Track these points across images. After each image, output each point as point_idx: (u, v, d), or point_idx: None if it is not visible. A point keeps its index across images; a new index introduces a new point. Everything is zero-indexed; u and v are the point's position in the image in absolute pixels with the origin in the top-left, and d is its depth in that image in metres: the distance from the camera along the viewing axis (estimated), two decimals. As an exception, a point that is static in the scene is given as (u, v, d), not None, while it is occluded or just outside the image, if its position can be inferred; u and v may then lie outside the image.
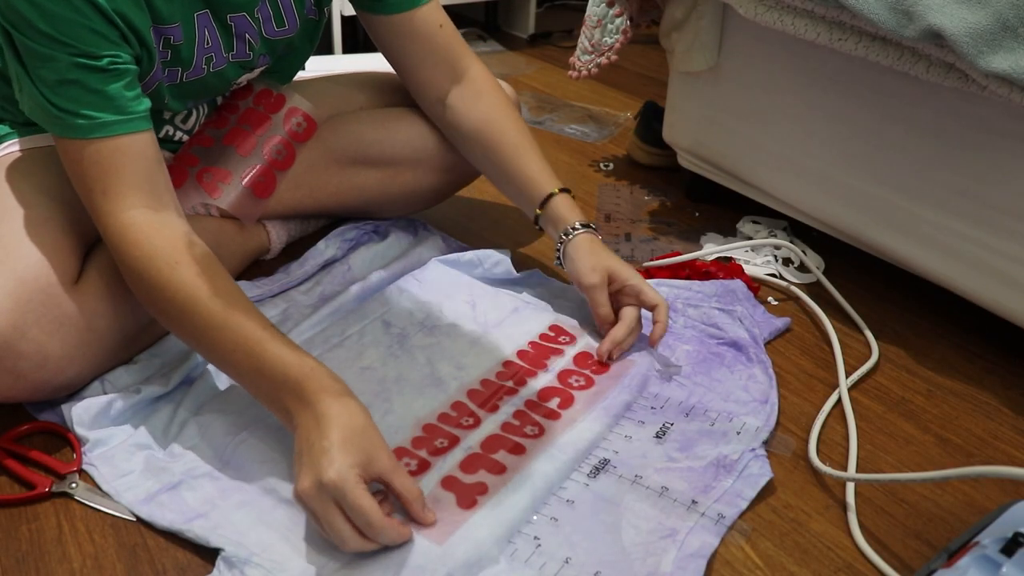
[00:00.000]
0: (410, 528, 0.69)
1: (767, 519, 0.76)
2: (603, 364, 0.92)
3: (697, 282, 1.05)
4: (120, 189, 0.77)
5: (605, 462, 0.80)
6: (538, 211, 1.00)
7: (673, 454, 0.81)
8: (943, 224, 0.98)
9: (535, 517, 0.74)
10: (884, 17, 0.86)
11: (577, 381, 0.90)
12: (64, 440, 0.82)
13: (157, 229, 0.78)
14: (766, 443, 0.84)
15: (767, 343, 1.00)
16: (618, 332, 0.93)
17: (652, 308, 0.92)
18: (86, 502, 0.75)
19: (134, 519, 0.74)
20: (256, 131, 1.02)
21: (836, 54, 1.02)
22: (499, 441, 0.81)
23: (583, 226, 0.97)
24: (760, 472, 0.79)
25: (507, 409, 0.85)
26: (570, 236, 0.96)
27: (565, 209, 0.99)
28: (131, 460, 0.79)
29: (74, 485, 0.76)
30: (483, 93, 1.04)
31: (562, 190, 1.00)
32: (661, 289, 1.04)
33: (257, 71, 0.99)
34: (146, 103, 0.80)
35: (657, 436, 0.83)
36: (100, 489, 0.77)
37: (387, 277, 1.06)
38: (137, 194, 0.78)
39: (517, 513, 0.73)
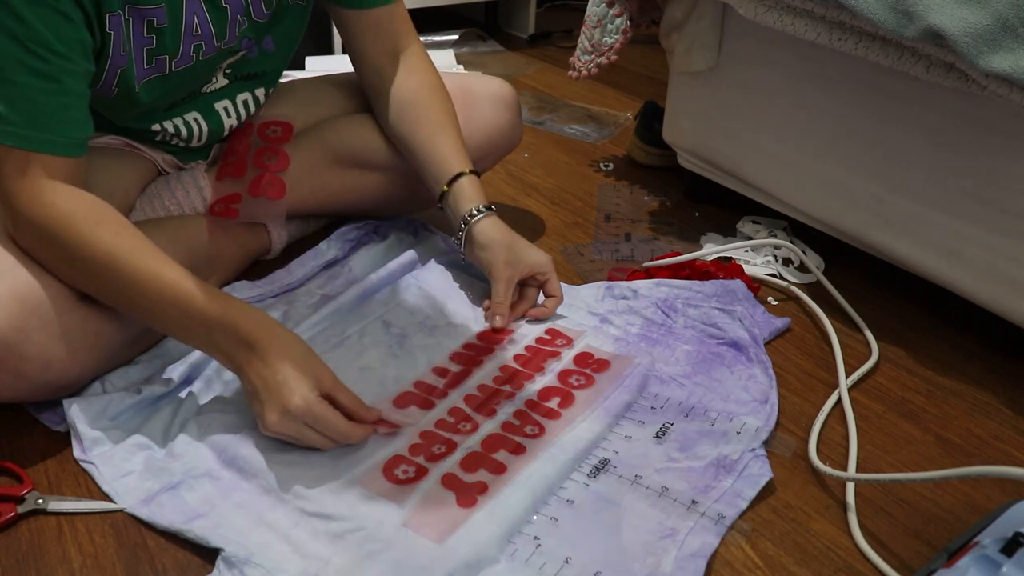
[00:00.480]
0: (369, 426, 0.79)
1: (767, 519, 0.76)
2: (603, 363, 0.92)
3: (697, 282, 1.05)
4: (44, 178, 0.77)
5: (605, 462, 0.80)
6: (444, 188, 1.01)
7: (673, 454, 0.81)
8: (943, 224, 0.98)
9: (535, 517, 0.74)
10: (884, 17, 0.86)
11: (577, 380, 0.90)
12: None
13: (75, 193, 0.78)
14: (766, 443, 0.84)
15: (767, 343, 1.00)
16: (520, 307, 1.00)
17: (548, 296, 1.01)
18: (66, 510, 0.74)
19: (115, 509, 0.74)
20: (242, 156, 1.04)
21: (836, 54, 1.02)
22: (499, 440, 0.81)
23: (487, 208, 0.99)
24: (760, 472, 0.79)
25: (507, 410, 0.85)
26: (474, 218, 0.98)
27: (471, 190, 1.00)
28: (131, 460, 0.79)
29: (40, 501, 0.75)
30: (417, 71, 1.06)
31: (472, 171, 1.01)
32: (661, 289, 1.04)
33: (241, 54, 0.98)
34: (87, 130, 0.80)
35: (657, 436, 0.83)
36: (63, 494, 0.76)
37: (387, 277, 1.06)
38: (58, 178, 0.78)
39: (517, 513, 0.73)
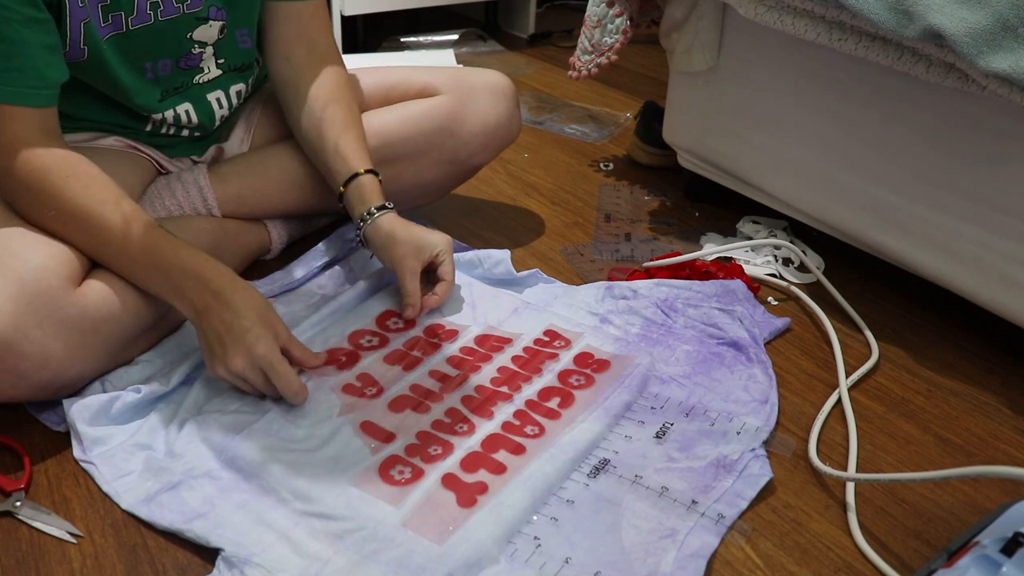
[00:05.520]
0: (306, 387, 0.84)
1: (767, 519, 0.76)
2: (603, 363, 0.92)
3: (697, 282, 1.05)
4: (13, 128, 0.81)
5: (605, 462, 0.80)
6: (341, 189, 1.00)
7: (673, 454, 0.81)
8: (943, 224, 0.98)
9: (535, 517, 0.74)
10: (884, 17, 0.86)
11: (577, 380, 0.90)
12: (17, 456, 0.80)
13: (47, 149, 0.83)
14: (766, 443, 0.84)
15: (767, 343, 1.00)
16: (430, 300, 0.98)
17: (439, 281, 0.99)
18: (28, 521, 0.73)
19: (74, 541, 0.72)
20: None
21: (836, 54, 1.02)
22: (499, 440, 0.81)
23: (379, 209, 0.98)
24: (760, 472, 0.79)
25: (505, 410, 0.85)
26: (371, 217, 0.98)
27: (368, 191, 0.99)
28: (131, 460, 0.79)
29: (18, 503, 0.74)
30: (327, 63, 1.05)
31: (369, 171, 1.00)
32: (661, 289, 1.04)
33: (215, 26, 0.96)
34: (53, 76, 0.82)
35: (657, 436, 0.83)
36: (43, 508, 0.75)
37: (387, 277, 1.06)
38: (30, 130, 0.82)
39: (517, 513, 0.73)
